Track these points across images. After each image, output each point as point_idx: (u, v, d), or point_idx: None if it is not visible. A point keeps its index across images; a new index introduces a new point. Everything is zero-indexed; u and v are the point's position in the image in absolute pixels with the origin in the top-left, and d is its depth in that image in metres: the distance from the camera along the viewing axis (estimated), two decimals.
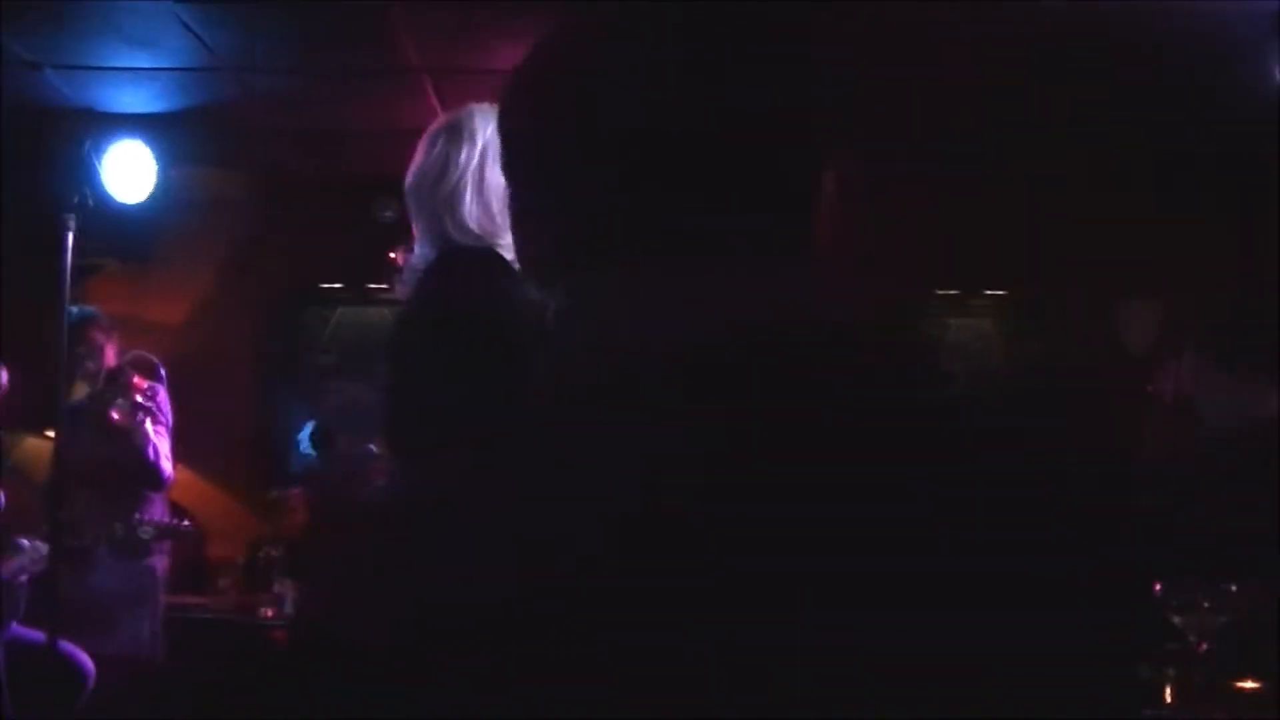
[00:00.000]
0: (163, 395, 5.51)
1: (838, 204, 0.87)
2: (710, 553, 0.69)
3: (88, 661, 4.84)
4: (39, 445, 6.65)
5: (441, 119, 2.79)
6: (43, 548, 4.76)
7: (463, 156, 2.64)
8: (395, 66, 5.80)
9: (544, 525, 0.69)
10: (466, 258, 2.62)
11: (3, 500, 5.05)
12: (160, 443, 5.34)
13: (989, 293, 7.55)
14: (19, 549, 4.59)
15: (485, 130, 2.62)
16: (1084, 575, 0.78)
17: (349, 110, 6.51)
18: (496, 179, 2.50)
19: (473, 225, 2.60)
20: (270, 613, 6.21)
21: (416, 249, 2.72)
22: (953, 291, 7.57)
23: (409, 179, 2.72)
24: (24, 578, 4.66)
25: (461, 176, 2.62)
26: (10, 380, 5.02)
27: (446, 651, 0.65)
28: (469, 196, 2.60)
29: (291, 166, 7.36)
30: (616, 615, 0.66)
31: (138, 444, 5.23)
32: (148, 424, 5.25)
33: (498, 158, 2.68)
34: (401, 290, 2.82)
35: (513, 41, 4.84)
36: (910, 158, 6.83)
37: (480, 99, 2.72)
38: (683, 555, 0.68)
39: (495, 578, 0.67)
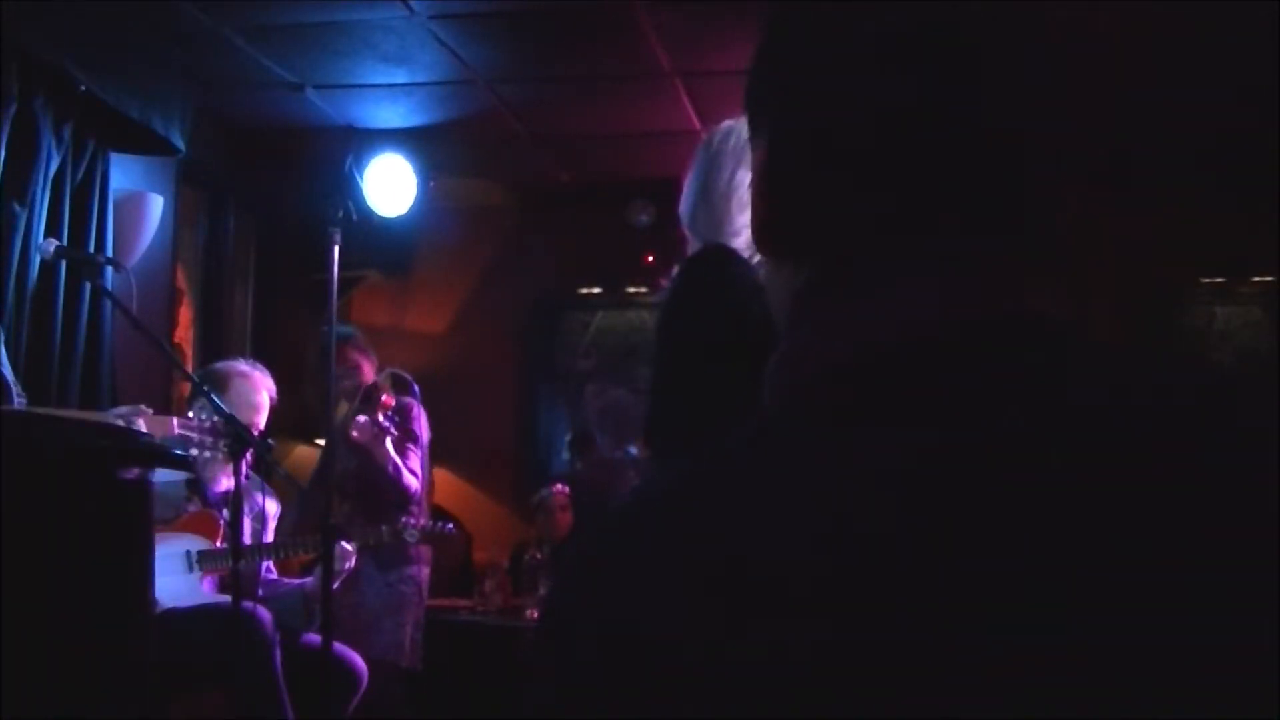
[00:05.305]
0: (416, 410, 5.61)
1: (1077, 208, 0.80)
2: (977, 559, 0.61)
3: (361, 665, 4.94)
4: (309, 454, 6.86)
5: None
6: (349, 547, 4.87)
7: (696, 172, 2.83)
8: (646, 71, 5.78)
9: (783, 525, 0.65)
10: (693, 258, 2.81)
11: (278, 508, 5.20)
12: (403, 458, 5.44)
13: (1258, 279, 7.15)
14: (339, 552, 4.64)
15: (713, 143, 2.81)
16: None
17: (602, 116, 6.53)
18: (721, 185, 2.74)
19: (700, 229, 2.78)
20: (535, 615, 6.27)
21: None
22: (1219, 279, 7.20)
23: None
24: (334, 583, 4.77)
25: (692, 189, 2.82)
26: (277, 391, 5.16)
27: (665, 657, 0.64)
28: (696, 203, 2.79)
29: (547, 174, 7.44)
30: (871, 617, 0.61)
31: (379, 461, 5.35)
32: (387, 441, 5.36)
33: (725, 165, 2.83)
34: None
35: None
36: (1177, 145, 6.52)
37: (734, 101, 2.72)
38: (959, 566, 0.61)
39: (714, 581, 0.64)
